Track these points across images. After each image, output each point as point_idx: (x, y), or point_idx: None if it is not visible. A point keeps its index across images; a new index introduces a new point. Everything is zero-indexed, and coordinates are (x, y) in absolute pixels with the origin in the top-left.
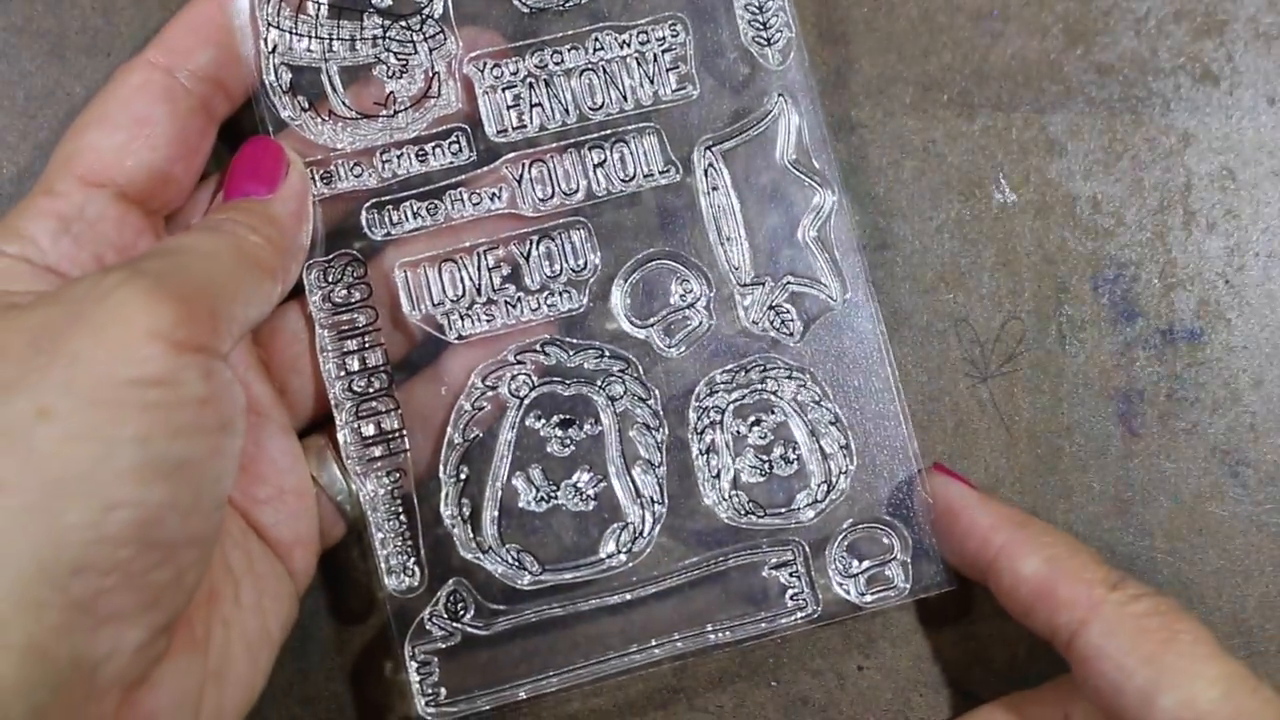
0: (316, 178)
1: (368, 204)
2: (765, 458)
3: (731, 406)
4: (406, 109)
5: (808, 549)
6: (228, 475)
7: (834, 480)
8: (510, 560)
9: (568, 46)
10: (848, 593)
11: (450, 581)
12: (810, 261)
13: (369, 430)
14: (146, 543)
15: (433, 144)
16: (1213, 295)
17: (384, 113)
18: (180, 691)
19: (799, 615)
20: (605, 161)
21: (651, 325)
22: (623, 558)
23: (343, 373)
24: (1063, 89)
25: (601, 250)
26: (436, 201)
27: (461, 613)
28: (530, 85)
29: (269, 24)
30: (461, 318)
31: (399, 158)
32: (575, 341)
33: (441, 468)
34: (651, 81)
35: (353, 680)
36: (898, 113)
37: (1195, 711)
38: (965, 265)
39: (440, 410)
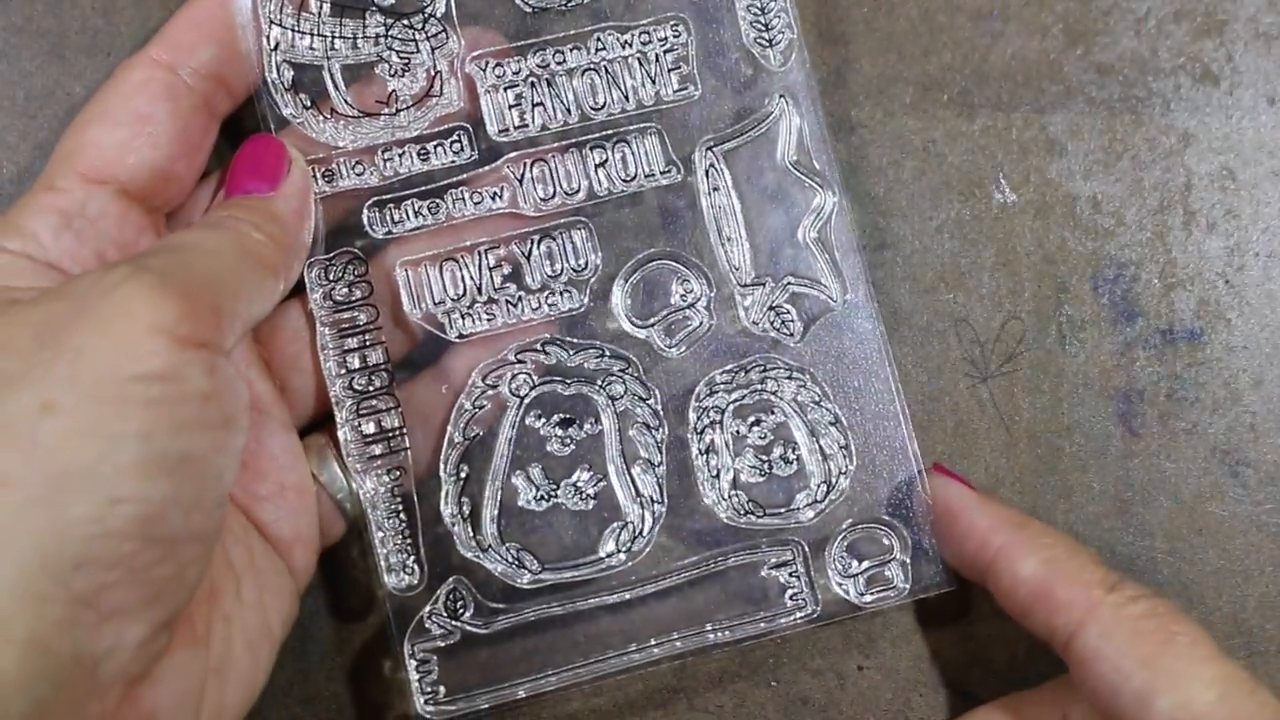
0: (318, 176)
1: (369, 202)
2: (765, 458)
3: (731, 406)
4: (408, 107)
5: (807, 549)
6: (230, 471)
7: (834, 480)
8: (510, 559)
9: (570, 46)
10: (847, 593)
11: (450, 580)
12: (811, 262)
13: (369, 428)
14: (149, 538)
15: (434, 143)
16: (1213, 295)
17: (386, 111)
18: (182, 687)
19: (798, 615)
20: (607, 161)
21: (652, 325)
22: (622, 557)
23: (343, 370)
24: (1063, 89)
25: (602, 250)
26: (438, 200)
27: (461, 611)
28: (532, 84)
29: (271, 21)
30: (462, 316)
31: (400, 156)
32: (576, 341)
33: (441, 466)
34: (653, 82)
35: (352, 679)
36: (898, 113)
37: (1192, 714)
38: (965, 265)
39: (440, 409)
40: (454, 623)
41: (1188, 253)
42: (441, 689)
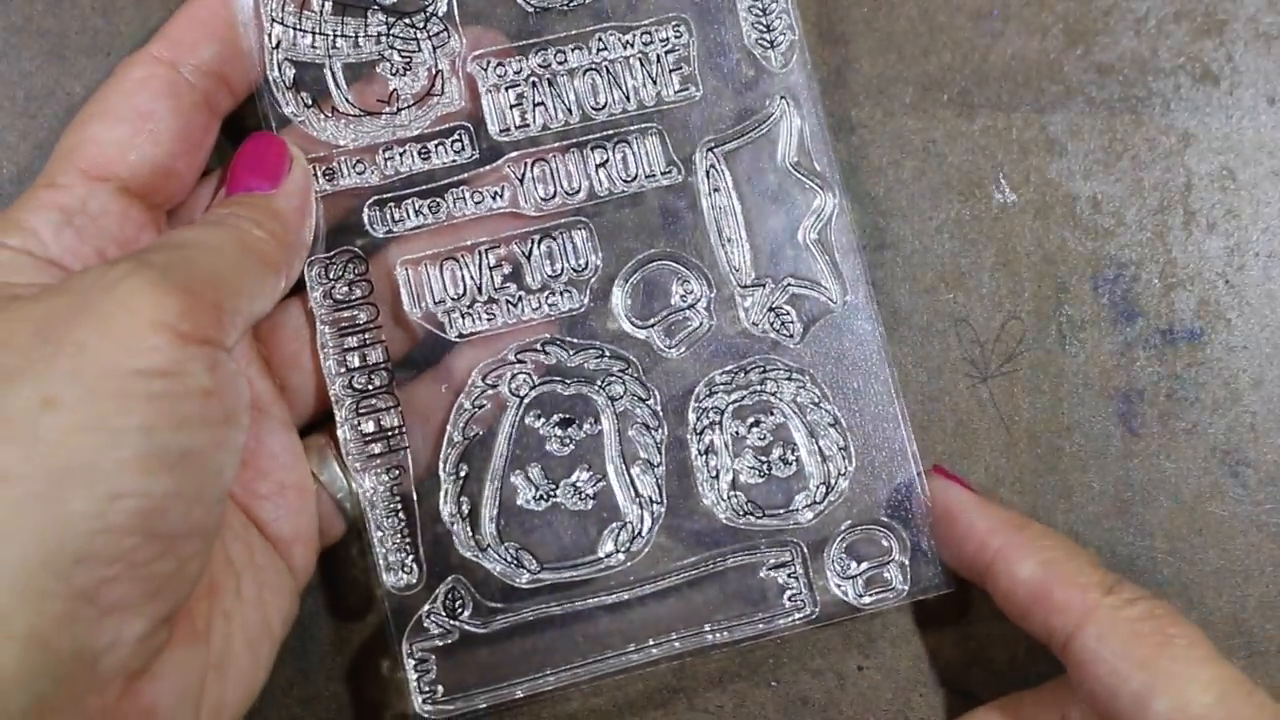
0: (319, 174)
1: (370, 201)
2: (764, 459)
3: (731, 407)
4: (409, 106)
5: (806, 550)
6: (231, 467)
7: (833, 482)
8: (509, 558)
9: (571, 46)
10: (846, 594)
11: (449, 579)
12: (811, 263)
13: (369, 427)
14: (150, 533)
15: (435, 142)
16: (1213, 295)
17: (387, 110)
18: (182, 682)
19: (797, 616)
20: (607, 161)
21: (652, 325)
22: (621, 557)
23: (343, 369)
24: (1063, 89)
25: (603, 250)
26: (438, 199)
27: (460, 611)
28: (533, 84)
29: (273, 19)
30: (462, 316)
31: (401, 155)
32: (576, 341)
33: (441, 465)
34: (654, 82)
35: (351, 678)
36: (898, 113)
37: (1189, 716)
38: (965, 265)
39: (440, 408)
40: (452, 622)
41: (1188, 253)
42: (440, 688)
